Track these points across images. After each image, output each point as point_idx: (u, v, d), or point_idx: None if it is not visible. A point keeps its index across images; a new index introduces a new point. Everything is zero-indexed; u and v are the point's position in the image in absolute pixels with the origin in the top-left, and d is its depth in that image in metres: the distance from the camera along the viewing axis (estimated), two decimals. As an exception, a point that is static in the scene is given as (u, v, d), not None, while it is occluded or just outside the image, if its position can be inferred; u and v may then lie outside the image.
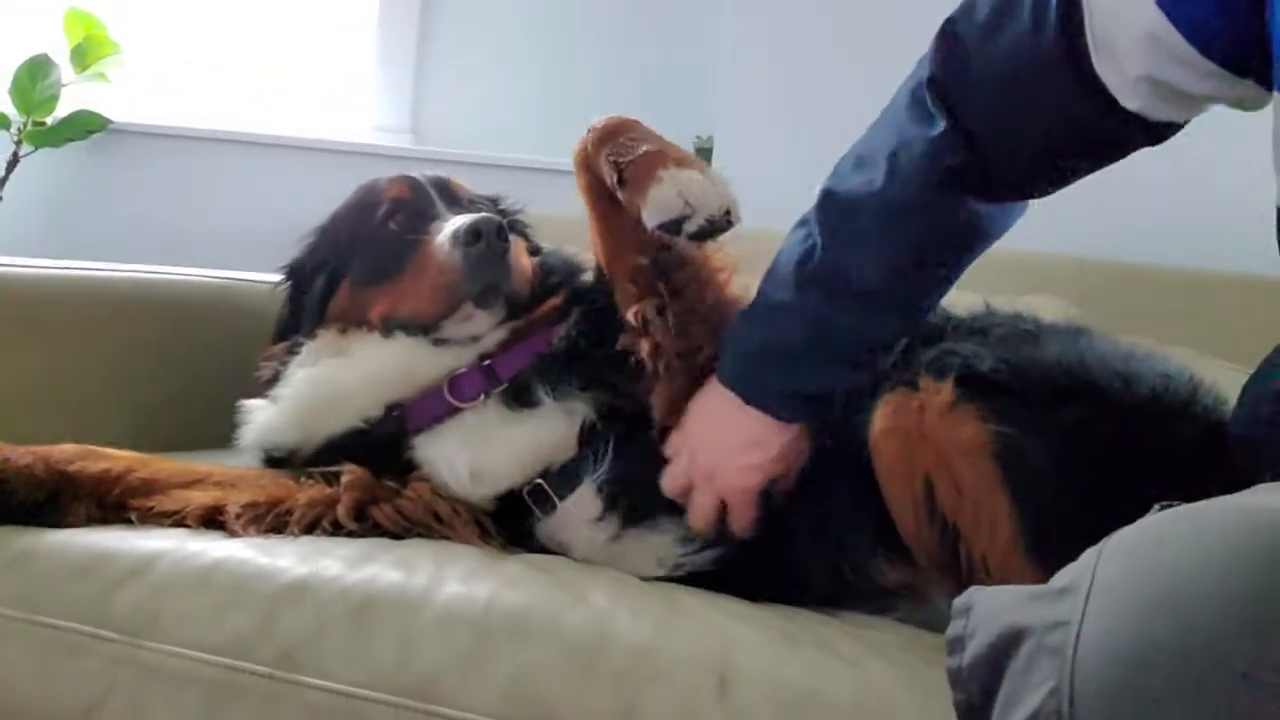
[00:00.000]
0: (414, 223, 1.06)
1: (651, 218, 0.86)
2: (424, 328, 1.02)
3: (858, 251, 0.87)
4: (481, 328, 1.03)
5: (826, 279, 0.87)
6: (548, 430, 0.97)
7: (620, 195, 0.90)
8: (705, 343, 0.94)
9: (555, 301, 1.08)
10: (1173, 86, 0.72)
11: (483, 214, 1.02)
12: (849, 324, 0.88)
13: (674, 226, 0.85)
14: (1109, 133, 0.79)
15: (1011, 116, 0.82)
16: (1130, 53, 0.72)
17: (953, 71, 0.84)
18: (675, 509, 0.94)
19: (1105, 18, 0.73)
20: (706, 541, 0.93)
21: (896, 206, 0.85)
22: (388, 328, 1.03)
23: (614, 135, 0.92)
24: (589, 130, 0.94)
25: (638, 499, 0.95)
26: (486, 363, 1.00)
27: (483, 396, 0.98)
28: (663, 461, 0.94)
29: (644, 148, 0.89)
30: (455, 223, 1.01)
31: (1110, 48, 0.73)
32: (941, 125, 0.83)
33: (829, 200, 0.90)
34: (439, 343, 1.02)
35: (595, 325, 1.02)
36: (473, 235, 0.99)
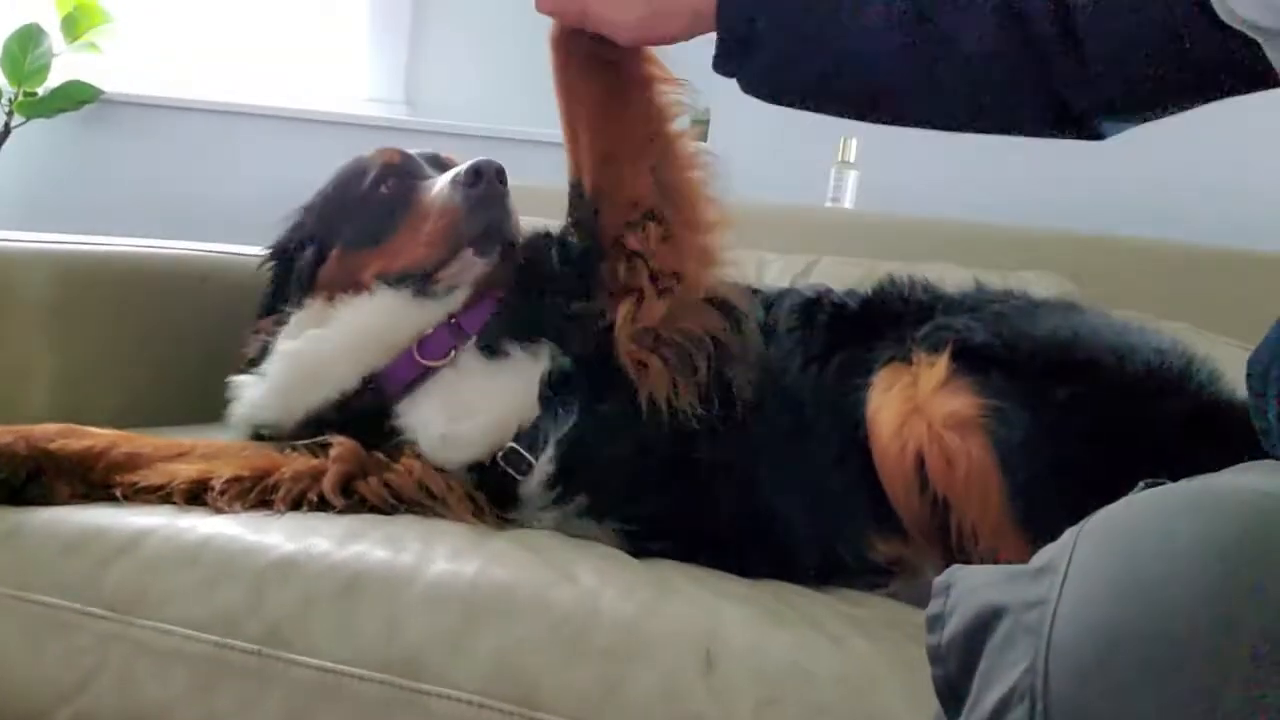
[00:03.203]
0: (405, 186, 1.05)
1: None
2: (422, 277, 1.00)
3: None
4: (474, 275, 1.02)
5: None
6: (516, 382, 0.95)
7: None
8: (688, 268, 0.93)
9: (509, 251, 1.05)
10: None
11: (483, 157, 1.01)
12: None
13: None
14: (1212, 56, 0.69)
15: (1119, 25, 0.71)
16: None
17: None
18: (632, 496, 0.93)
19: None
20: (659, 533, 0.92)
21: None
22: (384, 285, 1.02)
23: None
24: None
25: (591, 481, 0.93)
26: (453, 320, 1.00)
27: (451, 353, 0.98)
28: (621, 433, 0.93)
29: None
30: (454, 169, 1.01)
31: None
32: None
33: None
34: (420, 294, 1.00)
35: (546, 251, 1.01)
36: (474, 175, 0.99)
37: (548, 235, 1.05)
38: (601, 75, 0.92)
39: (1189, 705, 0.39)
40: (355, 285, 1.04)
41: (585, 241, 0.98)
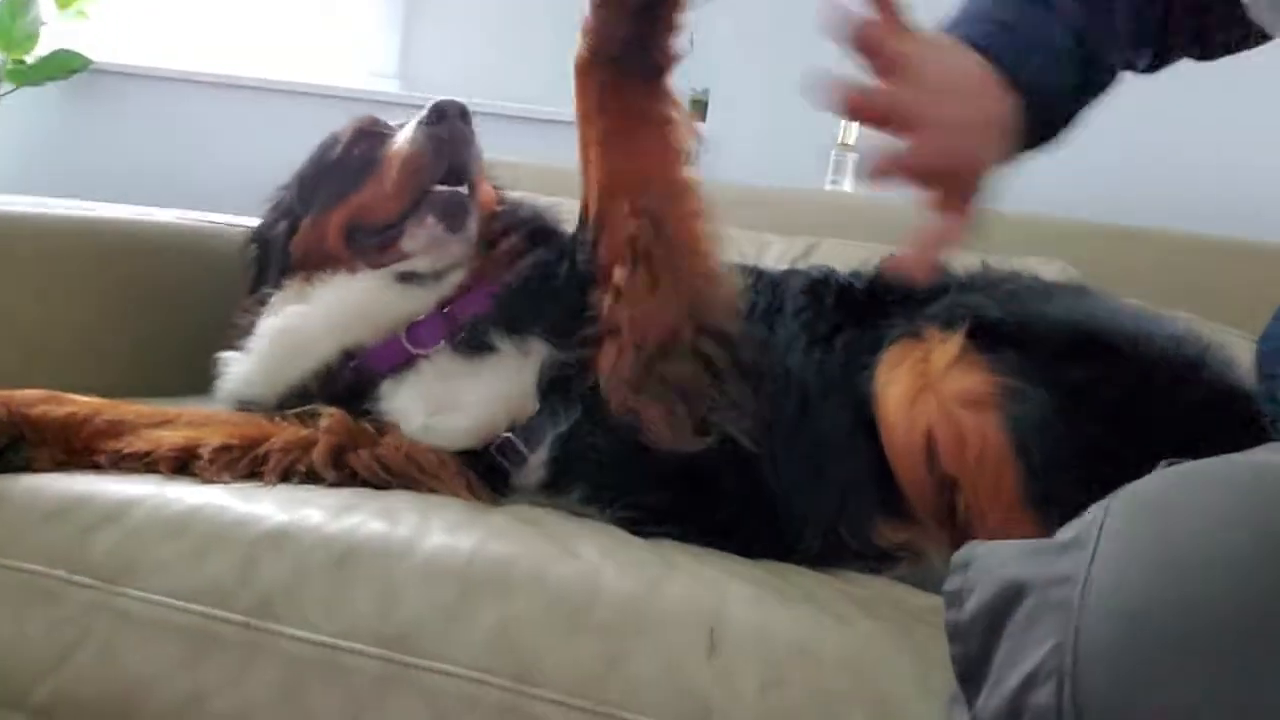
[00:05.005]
0: (376, 146, 1.04)
1: None
2: (388, 233, 0.99)
3: None
4: (448, 256, 1.00)
5: None
6: (505, 379, 0.93)
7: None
8: (672, 317, 0.90)
9: (512, 241, 1.04)
10: None
11: (446, 97, 1.00)
12: None
13: None
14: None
15: None
16: None
17: None
18: (633, 486, 0.90)
19: None
20: (660, 519, 0.90)
21: None
22: (351, 240, 1.01)
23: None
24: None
25: (590, 473, 0.91)
26: (446, 310, 0.97)
27: (441, 343, 0.96)
28: (618, 439, 0.90)
29: None
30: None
31: None
32: None
33: None
34: (403, 279, 0.99)
35: (555, 266, 0.98)
36: (436, 114, 0.98)
37: (558, 242, 1.03)
38: (615, 108, 0.89)
39: (1229, 682, 0.37)
40: (328, 252, 1.02)
41: (587, 262, 0.95)
